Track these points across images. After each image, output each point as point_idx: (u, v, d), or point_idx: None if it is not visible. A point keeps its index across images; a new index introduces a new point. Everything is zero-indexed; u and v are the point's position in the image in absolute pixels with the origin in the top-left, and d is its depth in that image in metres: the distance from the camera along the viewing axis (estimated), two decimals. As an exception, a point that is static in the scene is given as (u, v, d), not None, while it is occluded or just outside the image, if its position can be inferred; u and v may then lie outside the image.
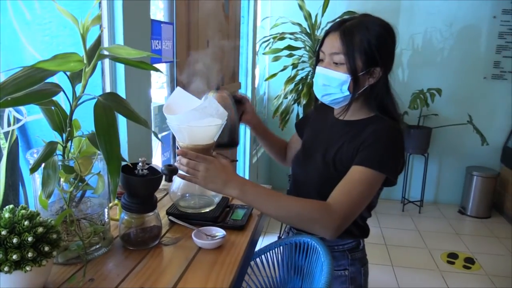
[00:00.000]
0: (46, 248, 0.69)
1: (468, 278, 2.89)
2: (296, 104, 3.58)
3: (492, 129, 3.95)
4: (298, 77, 3.76)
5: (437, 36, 3.95)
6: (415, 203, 4.09)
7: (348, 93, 1.07)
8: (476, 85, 4.00)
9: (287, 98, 3.71)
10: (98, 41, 0.68)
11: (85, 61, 0.62)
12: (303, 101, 3.48)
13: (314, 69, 1.16)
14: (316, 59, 1.15)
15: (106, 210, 0.90)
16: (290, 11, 3.86)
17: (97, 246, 0.87)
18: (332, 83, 1.08)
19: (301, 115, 3.61)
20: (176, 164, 0.94)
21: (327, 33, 1.11)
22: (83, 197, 0.88)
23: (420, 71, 4.03)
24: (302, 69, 3.79)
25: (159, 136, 1.73)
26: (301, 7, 3.64)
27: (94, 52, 0.63)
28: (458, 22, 3.90)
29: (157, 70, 0.68)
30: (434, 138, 4.03)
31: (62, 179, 0.80)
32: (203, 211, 1.06)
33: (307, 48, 3.76)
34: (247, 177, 3.26)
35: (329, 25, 3.57)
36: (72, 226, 0.79)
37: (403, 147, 1.09)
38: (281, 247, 1.28)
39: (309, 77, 3.76)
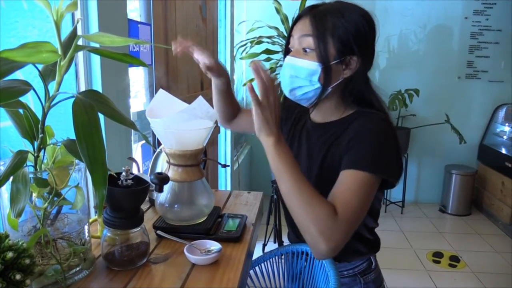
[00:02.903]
0: (18, 277, 0.58)
1: (454, 277, 2.89)
2: (275, 109, 3.52)
3: (468, 127, 4.02)
4: (276, 82, 3.71)
5: (412, 37, 4.00)
6: (397, 203, 4.09)
7: (318, 85, 0.93)
8: (451, 85, 4.06)
9: (266, 102, 3.64)
10: (74, 32, 0.59)
11: (59, 53, 0.53)
12: (283, 105, 3.43)
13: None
14: (285, 52, 1.00)
15: (86, 227, 0.79)
16: (266, 15, 3.81)
17: (77, 269, 0.77)
18: (300, 74, 0.94)
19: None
20: (256, 71, 0.82)
21: (297, 19, 0.97)
22: (59, 214, 0.78)
23: (396, 72, 4.05)
24: (280, 73, 3.75)
25: (138, 145, 1.62)
26: (278, 11, 3.61)
27: (70, 43, 0.54)
28: (432, 24, 3.96)
29: (144, 64, 0.59)
30: (413, 138, 4.06)
31: (34, 194, 0.69)
32: (193, 223, 0.96)
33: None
34: (228, 184, 3.16)
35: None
36: (48, 248, 0.68)
37: (396, 142, 0.95)
38: (276, 257, 1.20)
39: (288, 81, 3.72)
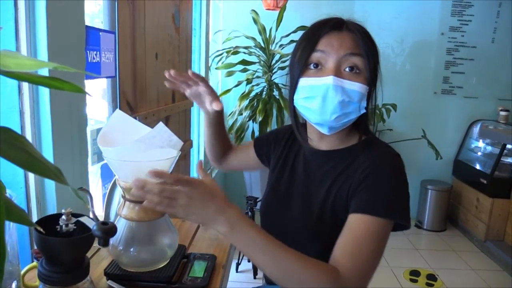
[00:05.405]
0: None
1: (432, 297, 2.83)
2: (251, 121, 3.42)
3: (443, 142, 4.01)
4: (252, 93, 3.60)
5: (389, 52, 3.98)
6: (373, 219, 4.03)
7: (364, 110, 0.85)
8: (427, 100, 4.06)
9: (242, 114, 3.54)
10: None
11: (-52, 77, 0.39)
12: (259, 118, 3.32)
13: (294, 81, 0.87)
14: (302, 67, 0.86)
15: (14, 283, 0.64)
16: (243, 25, 3.71)
17: (0, 338, 0.61)
18: (354, 98, 0.82)
19: (256, 133, 3.44)
20: (134, 189, 0.65)
21: (323, 33, 0.84)
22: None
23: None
24: (257, 84, 3.64)
25: (98, 166, 1.45)
26: (255, 21, 3.52)
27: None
28: (408, 38, 3.95)
29: (81, 91, 0.44)
30: (390, 153, 4.02)
31: None
32: (153, 269, 0.82)
33: (262, 62, 3.63)
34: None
35: (283, 39, 3.50)
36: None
37: (406, 179, 0.86)
38: (250, 299, 1.07)
39: (264, 93, 3.62)
